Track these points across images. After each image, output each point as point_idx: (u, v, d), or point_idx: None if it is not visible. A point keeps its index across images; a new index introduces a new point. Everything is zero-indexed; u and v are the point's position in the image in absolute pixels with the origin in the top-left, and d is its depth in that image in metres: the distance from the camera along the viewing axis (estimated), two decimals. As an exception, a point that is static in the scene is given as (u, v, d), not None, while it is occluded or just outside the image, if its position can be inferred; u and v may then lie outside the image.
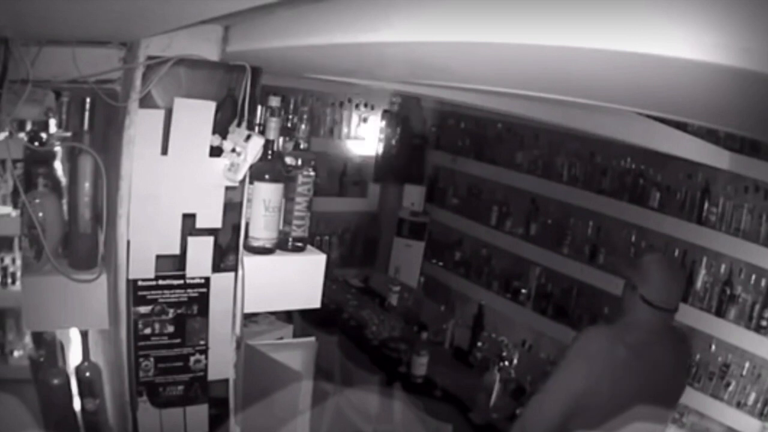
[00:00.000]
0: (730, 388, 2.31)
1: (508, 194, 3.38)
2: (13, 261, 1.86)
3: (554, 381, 1.81)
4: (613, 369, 1.74)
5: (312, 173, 1.61)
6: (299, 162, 1.60)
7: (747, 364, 2.27)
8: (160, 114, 1.37)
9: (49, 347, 1.64)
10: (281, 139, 1.73)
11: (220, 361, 1.56)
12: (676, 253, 2.53)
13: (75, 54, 1.35)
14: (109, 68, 1.41)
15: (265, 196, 1.52)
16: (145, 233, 1.42)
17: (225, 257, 1.51)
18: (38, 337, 1.67)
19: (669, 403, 1.89)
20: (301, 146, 1.59)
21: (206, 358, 1.53)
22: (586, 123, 1.99)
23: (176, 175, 1.41)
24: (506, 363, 3.00)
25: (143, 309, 1.45)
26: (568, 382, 1.78)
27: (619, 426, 1.71)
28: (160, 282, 1.45)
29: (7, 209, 1.75)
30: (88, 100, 1.52)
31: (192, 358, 1.52)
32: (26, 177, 1.56)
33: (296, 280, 1.63)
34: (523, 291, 3.26)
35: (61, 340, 1.66)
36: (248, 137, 1.40)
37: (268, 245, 1.56)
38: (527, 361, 3.08)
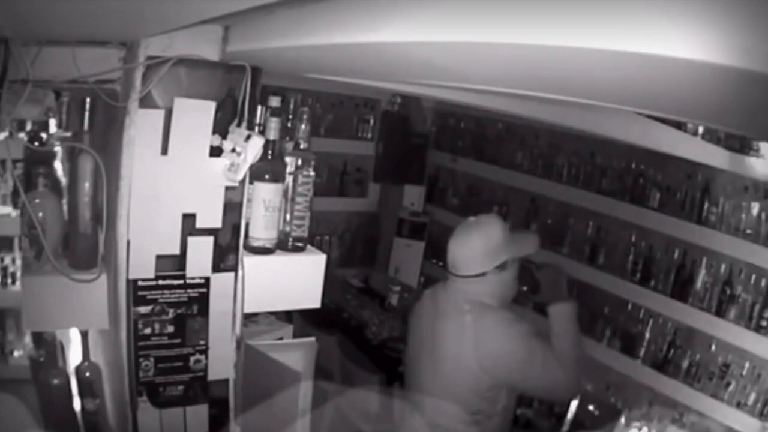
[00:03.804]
0: (730, 388, 2.30)
1: (508, 194, 3.38)
2: (13, 261, 1.85)
3: None
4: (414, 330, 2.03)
5: (312, 173, 1.61)
6: (299, 162, 1.60)
7: (747, 364, 2.27)
8: (160, 114, 1.38)
9: (49, 347, 1.64)
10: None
11: (220, 361, 1.56)
12: (676, 254, 2.53)
13: (75, 54, 1.35)
14: (109, 68, 1.41)
15: (265, 196, 1.52)
16: (145, 233, 1.42)
17: (225, 257, 1.51)
18: (38, 337, 1.67)
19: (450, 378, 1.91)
20: (301, 146, 1.59)
21: (206, 358, 1.53)
22: (586, 123, 1.99)
23: (176, 175, 1.41)
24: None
25: (143, 309, 1.45)
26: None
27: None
28: (160, 282, 1.46)
29: (7, 209, 1.74)
30: (88, 100, 1.52)
31: (192, 358, 1.52)
32: (26, 177, 1.56)
33: (296, 280, 1.63)
34: (524, 289, 3.25)
35: (61, 340, 1.66)
36: (248, 137, 1.40)
37: (268, 245, 1.56)
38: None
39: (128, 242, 1.41)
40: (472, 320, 1.88)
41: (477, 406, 1.88)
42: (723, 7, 0.55)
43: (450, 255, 1.90)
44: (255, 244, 1.55)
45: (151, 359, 1.48)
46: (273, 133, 1.51)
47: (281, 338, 2.17)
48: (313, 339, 1.81)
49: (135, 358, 1.46)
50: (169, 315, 1.48)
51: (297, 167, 1.59)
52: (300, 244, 1.63)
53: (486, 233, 1.89)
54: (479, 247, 1.87)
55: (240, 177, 1.43)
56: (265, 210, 1.52)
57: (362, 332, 3.33)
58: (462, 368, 1.87)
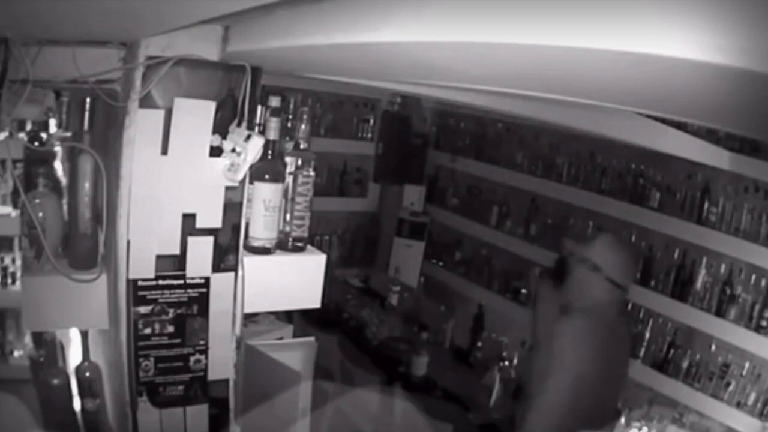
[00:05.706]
0: (730, 388, 2.31)
1: (508, 194, 3.38)
2: (13, 261, 1.86)
3: (554, 380, 1.85)
4: (597, 351, 1.89)
5: (312, 173, 1.61)
6: (299, 162, 1.60)
7: (747, 364, 2.27)
8: (160, 114, 1.37)
9: (49, 347, 1.64)
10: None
11: (220, 361, 1.56)
12: (676, 254, 2.53)
13: (75, 54, 1.35)
14: (109, 68, 1.41)
15: (265, 196, 1.52)
16: (145, 233, 1.42)
17: (225, 257, 1.51)
18: (38, 337, 1.67)
19: (624, 368, 2.14)
20: (301, 146, 1.59)
21: (206, 358, 1.53)
22: (586, 123, 1.99)
23: (176, 175, 1.41)
24: (506, 363, 3.00)
25: (143, 309, 1.45)
26: (566, 377, 1.85)
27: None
28: (160, 282, 1.45)
29: (7, 209, 1.75)
30: (88, 100, 1.52)
31: (192, 358, 1.52)
32: (26, 177, 1.56)
33: (296, 280, 1.63)
34: (523, 291, 3.26)
35: (61, 340, 1.66)
36: (248, 137, 1.40)
37: (268, 245, 1.56)
38: (527, 361, 3.08)
39: (128, 242, 1.41)
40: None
41: None
42: (723, 8, 0.55)
43: (633, 272, 2.15)
44: (255, 244, 1.55)
45: (151, 359, 1.48)
46: (273, 133, 1.51)
47: (281, 338, 2.17)
48: (312, 339, 1.81)
49: (135, 358, 1.46)
50: (169, 315, 1.48)
51: (297, 167, 1.59)
52: (300, 244, 1.63)
53: None
54: None
55: (240, 177, 1.43)
56: (265, 210, 1.52)
57: (362, 332, 3.33)
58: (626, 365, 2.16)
